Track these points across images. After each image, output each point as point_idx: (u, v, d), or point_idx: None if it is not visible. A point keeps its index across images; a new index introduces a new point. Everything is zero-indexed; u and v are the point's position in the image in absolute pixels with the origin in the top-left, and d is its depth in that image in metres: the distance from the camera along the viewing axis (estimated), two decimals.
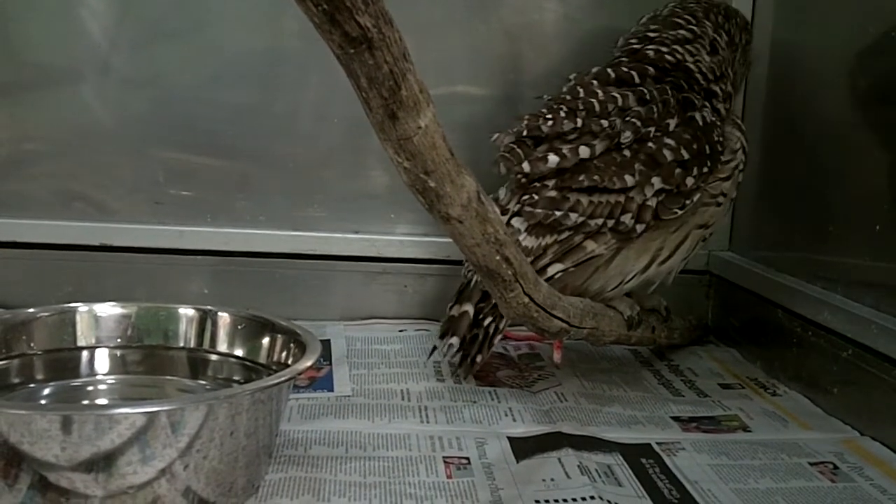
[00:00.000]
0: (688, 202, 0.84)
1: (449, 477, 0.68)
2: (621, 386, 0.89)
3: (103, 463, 0.54)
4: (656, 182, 0.83)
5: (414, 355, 0.95)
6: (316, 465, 0.68)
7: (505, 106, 1.07)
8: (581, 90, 0.87)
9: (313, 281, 1.07)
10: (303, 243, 1.06)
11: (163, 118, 1.04)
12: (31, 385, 0.73)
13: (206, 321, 0.76)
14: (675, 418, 0.81)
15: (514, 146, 0.86)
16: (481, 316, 0.85)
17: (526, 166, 0.84)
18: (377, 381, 0.87)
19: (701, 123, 0.85)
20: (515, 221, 0.84)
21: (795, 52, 1.01)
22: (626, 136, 0.83)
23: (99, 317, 0.76)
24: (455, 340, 0.85)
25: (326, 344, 0.97)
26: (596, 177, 0.82)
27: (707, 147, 0.85)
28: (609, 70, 0.88)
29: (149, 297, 0.98)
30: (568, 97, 0.87)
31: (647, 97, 0.85)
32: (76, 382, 0.74)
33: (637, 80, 0.86)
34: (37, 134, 1.04)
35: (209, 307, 0.77)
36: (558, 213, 0.82)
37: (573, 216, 0.82)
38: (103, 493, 0.55)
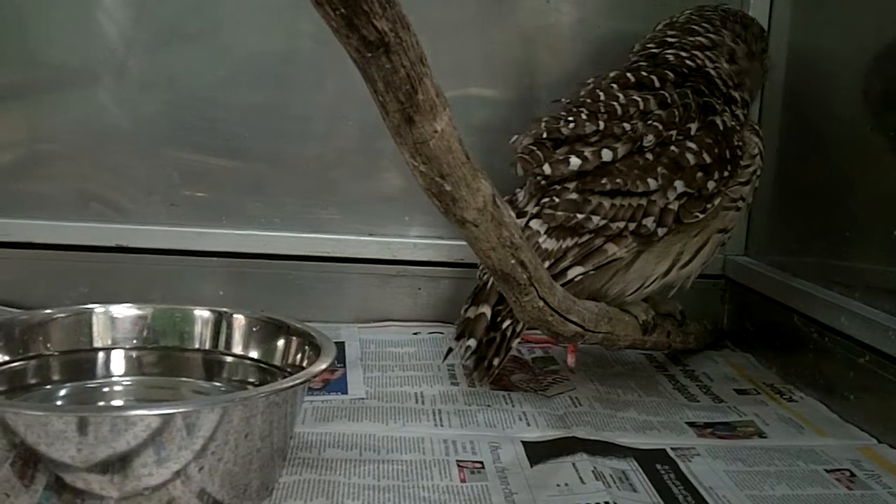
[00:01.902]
0: (709, 206, 0.84)
1: (463, 481, 0.67)
2: (636, 391, 0.89)
3: (119, 464, 0.55)
4: (679, 186, 0.82)
5: (428, 358, 0.95)
6: (330, 467, 0.68)
7: (520, 109, 1.07)
8: (601, 93, 0.87)
9: (327, 283, 1.07)
10: (317, 245, 1.06)
11: (178, 120, 1.04)
12: (48, 386, 0.73)
13: (221, 323, 0.76)
14: (691, 424, 0.81)
15: (534, 148, 0.86)
16: (499, 318, 0.84)
17: (547, 168, 0.84)
18: (391, 384, 0.87)
19: (721, 128, 0.85)
20: (535, 223, 0.83)
21: (812, 56, 1.00)
22: (649, 140, 0.83)
23: (115, 318, 0.76)
24: (472, 343, 0.84)
25: (340, 346, 0.97)
26: (619, 180, 0.82)
27: (727, 151, 0.85)
28: (629, 74, 0.88)
29: (164, 298, 0.98)
30: (588, 100, 0.87)
31: (669, 101, 0.85)
32: (92, 384, 0.74)
33: (657, 83, 0.86)
34: (53, 135, 1.04)
35: (224, 309, 0.77)
36: (580, 216, 0.82)
37: (595, 219, 0.82)
38: (119, 494, 0.55)
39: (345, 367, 0.91)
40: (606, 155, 0.83)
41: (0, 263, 1.02)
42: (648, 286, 0.87)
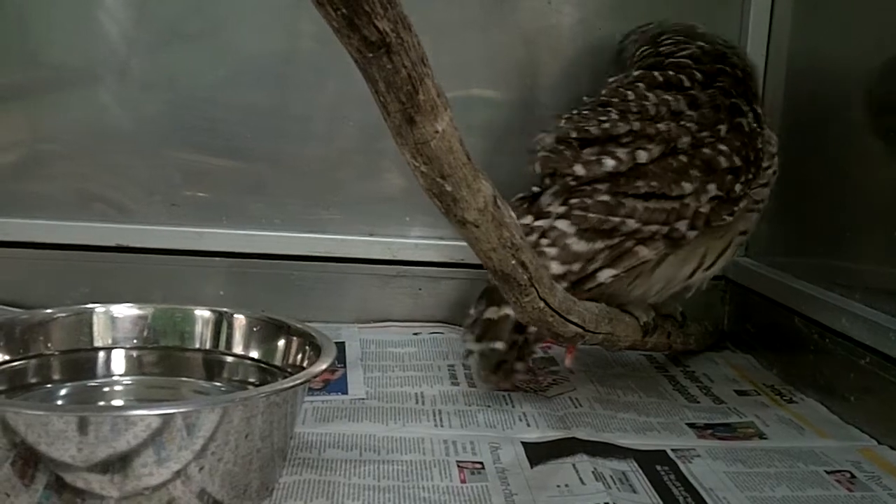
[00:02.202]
0: (736, 209, 0.84)
1: (463, 481, 0.67)
2: (636, 392, 0.89)
3: (119, 464, 0.55)
4: (711, 189, 0.81)
5: (428, 358, 0.95)
6: (330, 468, 0.68)
7: (521, 110, 1.07)
8: (629, 92, 0.85)
9: (328, 283, 1.07)
10: (318, 245, 1.06)
11: (179, 120, 1.04)
12: (48, 385, 0.73)
13: (221, 323, 0.76)
14: (691, 425, 0.81)
15: (560, 147, 0.84)
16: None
17: (580, 169, 0.82)
18: (391, 385, 0.87)
19: (747, 129, 0.84)
20: (562, 224, 0.82)
21: (813, 59, 1.00)
22: (684, 142, 0.82)
23: (115, 318, 0.76)
24: (500, 345, 0.81)
25: (341, 346, 0.97)
26: (654, 183, 0.81)
27: (752, 154, 0.84)
28: (656, 73, 0.87)
29: (165, 298, 0.98)
30: (615, 99, 0.85)
31: (699, 101, 0.84)
32: (93, 383, 0.75)
33: (687, 83, 0.85)
34: (54, 135, 1.04)
35: (225, 309, 0.77)
36: (615, 219, 0.80)
37: (630, 222, 0.80)
38: (119, 494, 0.55)
39: (345, 367, 0.91)
40: (641, 156, 0.81)
41: (1, 263, 1.02)
42: (672, 288, 0.86)
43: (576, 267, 0.80)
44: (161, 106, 1.04)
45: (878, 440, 0.78)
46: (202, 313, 0.77)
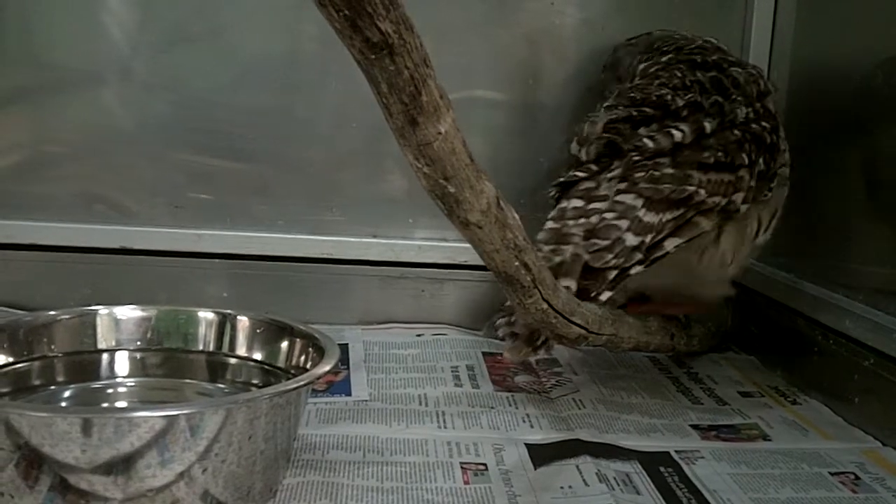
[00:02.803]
0: (772, 185, 0.87)
1: (466, 483, 0.67)
2: (640, 393, 0.89)
3: (122, 466, 0.55)
4: (760, 162, 0.84)
5: (431, 360, 0.95)
6: (333, 469, 0.68)
7: (524, 111, 1.07)
8: (675, 72, 0.87)
9: (331, 285, 1.07)
10: (321, 247, 1.06)
11: (183, 122, 1.04)
12: (52, 387, 0.73)
13: (225, 325, 0.76)
14: (694, 426, 0.81)
15: (619, 125, 0.85)
16: None
17: (648, 142, 0.83)
18: (395, 386, 0.87)
19: (774, 110, 0.89)
20: (627, 198, 0.82)
21: (816, 59, 1.00)
22: (741, 115, 0.84)
23: (119, 319, 0.76)
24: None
25: (344, 348, 0.97)
26: (720, 153, 0.83)
27: (776, 134, 0.88)
28: (685, 58, 0.89)
29: (168, 300, 0.98)
30: (657, 81, 0.87)
31: (738, 81, 0.87)
32: (96, 385, 0.74)
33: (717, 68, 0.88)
34: (57, 136, 1.04)
35: (228, 311, 0.77)
36: (689, 189, 0.81)
37: (702, 192, 0.82)
38: (122, 495, 0.55)
39: (348, 368, 0.91)
40: (707, 127, 0.83)
41: (4, 265, 1.02)
42: (742, 255, 0.88)
43: (648, 238, 0.80)
44: (164, 108, 1.04)
45: (883, 442, 0.78)
46: (205, 315, 0.77)
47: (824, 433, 0.80)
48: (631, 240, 0.80)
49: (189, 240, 1.05)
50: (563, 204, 0.84)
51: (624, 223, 0.80)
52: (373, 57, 0.53)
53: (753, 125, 0.85)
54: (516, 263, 0.68)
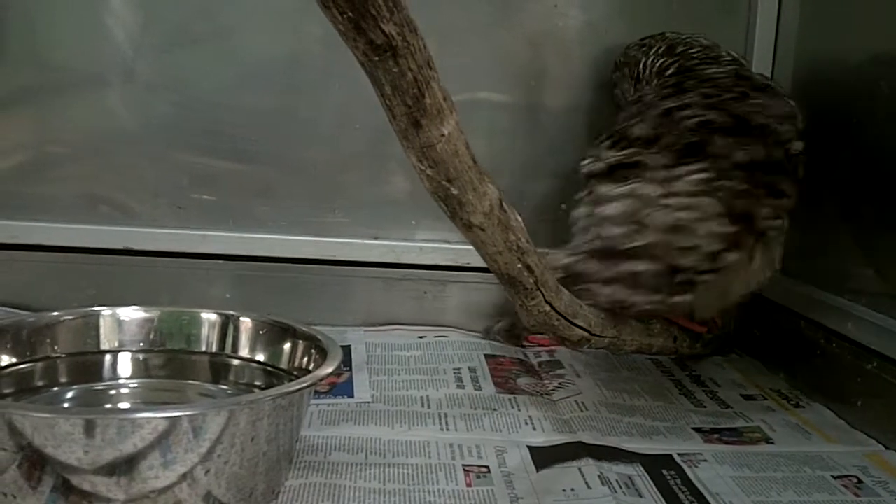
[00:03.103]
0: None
1: (468, 485, 0.67)
2: (642, 396, 0.89)
3: (125, 467, 0.55)
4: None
5: (434, 362, 0.95)
6: (336, 471, 0.68)
7: (527, 113, 1.07)
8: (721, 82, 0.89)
9: (334, 286, 1.07)
10: (324, 249, 1.06)
11: (186, 123, 1.04)
12: (55, 388, 0.73)
13: (228, 326, 0.76)
14: (697, 429, 0.81)
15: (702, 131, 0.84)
16: None
17: (741, 155, 0.82)
18: (397, 388, 0.87)
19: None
20: (704, 202, 0.80)
21: (820, 61, 1.00)
22: (797, 148, 0.86)
23: (122, 320, 0.76)
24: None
25: (347, 350, 0.97)
26: (784, 181, 0.85)
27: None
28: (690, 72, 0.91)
29: (171, 301, 0.98)
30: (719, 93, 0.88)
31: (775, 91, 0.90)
32: (99, 386, 0.75)
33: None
34: (61, 137, 1.04)
35: (231, 312, 0.77)
36: (761, 211, 0.83)
37: (766, 212, 0.83)
38: (125, 496, 0.55)
39: (351, 370, 0.91)
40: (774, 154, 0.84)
41: (7, 266, 1.02)
42: (759, 283, 0.87)
43: (716, 247, 0.79)
44: (168, 109, 1.04)
45: (886, 445, 0.78)
46: (208, 316, 0.77)
47: (827, 436, 0.80)
48: (707, 245, 0.79)
49: (192, 241, 1.05)
50: (634, 185, 0.81)
51: (703, 227, 0.79)
52: (376, 59, 0.54)
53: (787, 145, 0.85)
54: (519, 265, 0.68)
